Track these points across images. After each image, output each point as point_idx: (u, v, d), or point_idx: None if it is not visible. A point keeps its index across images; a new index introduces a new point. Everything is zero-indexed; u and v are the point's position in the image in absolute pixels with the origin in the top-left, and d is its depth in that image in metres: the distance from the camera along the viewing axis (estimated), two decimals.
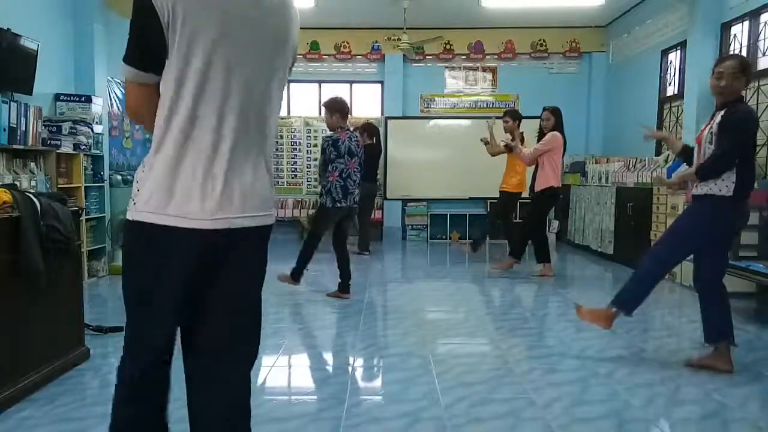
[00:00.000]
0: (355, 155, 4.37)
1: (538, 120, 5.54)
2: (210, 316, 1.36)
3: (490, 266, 5.87)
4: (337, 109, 4.34)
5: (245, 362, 1.43)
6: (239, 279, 1.39)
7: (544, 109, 5.41)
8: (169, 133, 1.25)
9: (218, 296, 1.35)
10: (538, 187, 5.32)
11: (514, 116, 5.95)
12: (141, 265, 1.31)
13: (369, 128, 6.69)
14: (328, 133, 4.45)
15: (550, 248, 5.63)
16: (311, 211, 8.05)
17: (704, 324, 2.87)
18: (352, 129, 4.54)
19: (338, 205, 4.29)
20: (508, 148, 5.78)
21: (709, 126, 2.76)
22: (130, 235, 1.33)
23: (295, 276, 4.43)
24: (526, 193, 6.02)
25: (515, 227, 6.28)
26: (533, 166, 5.88)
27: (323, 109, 4.44)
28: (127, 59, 1.28)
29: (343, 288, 4.43)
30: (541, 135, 5.46)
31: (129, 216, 1.31)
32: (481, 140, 6.10)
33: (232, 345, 1.39)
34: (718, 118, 2.70)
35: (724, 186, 2.65)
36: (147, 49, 1.27)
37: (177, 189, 1.24)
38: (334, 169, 4.30)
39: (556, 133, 5.23)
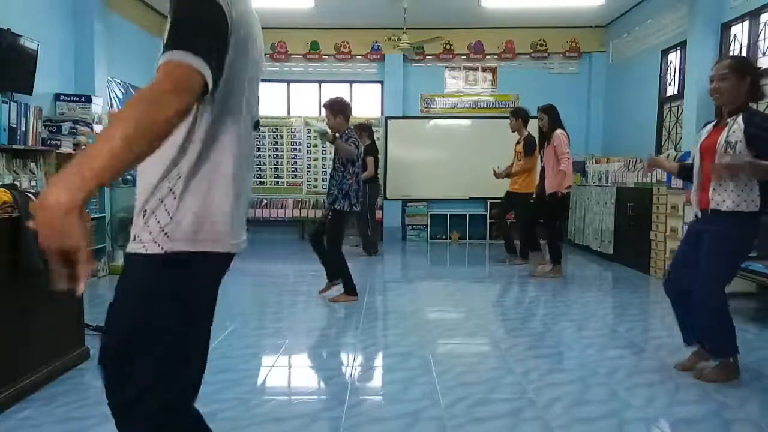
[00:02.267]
0: (359, 158, 4.36)
1: (537, 121, 5.56)
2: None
3: (532, 271, 5.58)
4: (340, 110, 4.22)
5: None
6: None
7: (538, 109, 5.42)
8: (209, 153, 1.14)
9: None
10: (551, 189, 5.27)
11: (517, 114, 5.93)
12: (180, 303, 1.15)
13: (365, 129, 6.68)
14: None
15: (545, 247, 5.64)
16: (316, 212, 8.05)
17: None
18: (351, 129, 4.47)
19: (354, 208, 4.24)
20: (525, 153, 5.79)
21: (724, 134, 2.58)
22: (167, 271, 1.14)
23: (350, 291, 4.33)
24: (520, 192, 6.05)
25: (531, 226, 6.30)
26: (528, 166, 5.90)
27: (324, 109, 4.29)
28: (190, 47, 0.99)
29: (332, 277, 4.38)
30: (541, 134, 5.46)
31: (162, 247, 1.13)
32: (497, 173, 6.08)
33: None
34: (735, 125, 2.55)
35: (751, 201, 2.53)
36: (219, 45, 1.06)
37: (229, 214, 1.17)
38: (354, 173, 4.21)
39: (558, 132, 5.22)
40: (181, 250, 1.13)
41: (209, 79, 1.01)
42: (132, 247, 1.16)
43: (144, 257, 1.13)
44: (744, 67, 2.59)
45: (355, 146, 4.20)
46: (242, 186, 1.22)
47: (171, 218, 1.13)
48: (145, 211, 1.15)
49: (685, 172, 2.98)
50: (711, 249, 2.64)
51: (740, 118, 2.55)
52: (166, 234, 1.12)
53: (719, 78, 2.57)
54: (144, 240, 1.14)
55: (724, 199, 2.57)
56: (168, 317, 1.14)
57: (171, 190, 1.13)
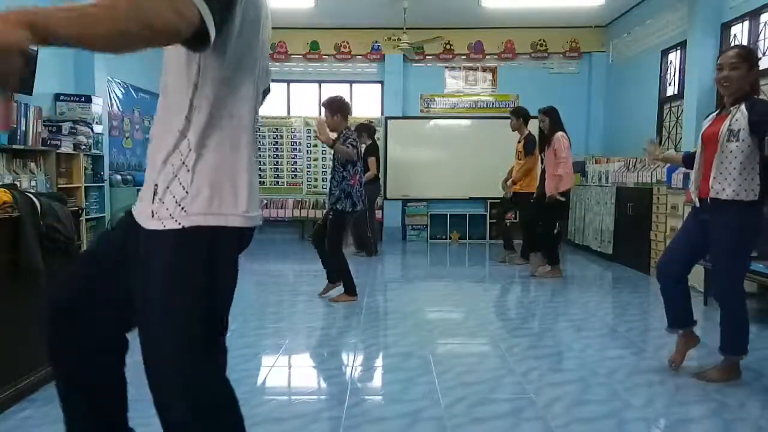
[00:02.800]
0: (360, 158, 4.35)
1: (538, 121, 5.57)
2: None
3: (533, 271, 5.59)
4: (339, 109, 4.19)
5: None
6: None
7: (539, 111, 5.41)
8: (225, 124, 1.16)
9: None
10: (552, 190, 5.27)
11: (517, 114, 5.93)
12: (214, 274, 1.17)
13: (367, 128, 6.67)
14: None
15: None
16: (316, 212, 8.05)
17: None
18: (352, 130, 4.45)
19: (357, 208, 4.23)
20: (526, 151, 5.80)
21: (727, 122, 2.58)
22: (196, 245, 1.15)
23: (350, 291, 4.32)
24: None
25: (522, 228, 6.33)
26: (526, 166, 5.91)
27: (323, 108, 4.27)
28: None
29: (333, 280, 4.38)
30: (542, 135, 5.46)
31: (179, 223, 1.13)
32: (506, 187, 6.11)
33: None
34: (737, 114, 2.55)
35: (750, 191, 2.53)
36: (228, 5, 1.04)
37: (241, 188, 1.18)
38: (355, 173, 4.20)
39: (559, 135, 5.22)
40: (198, 225, 1.13)
41: (212, 32, 0.99)
42: (151, 224, 1.15)
43: (163, 233, 1.13)
44: (752, 57, 2.60)
45: (353, 147, 4.17)
46: (255, 161, 1.23)
47: (187, 192, 1.13)
48: (156, 186, 1.15)
49: (689, 161, 2.97)
50: (716, 247, 2.66)
51: (743, 107, 2.55)
52: (183, 209, 1.13)
53: (730, 66, 2.56)
54: (162, 216, 1.14)
55: (724, 187, 2.57)
56: (201, 293, 1.16)
57: (184, 163, 1.14)
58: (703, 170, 2.70)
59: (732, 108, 2.60)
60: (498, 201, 6.76)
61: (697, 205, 2.74)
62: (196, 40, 0.99)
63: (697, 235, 2.72)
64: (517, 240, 6.31)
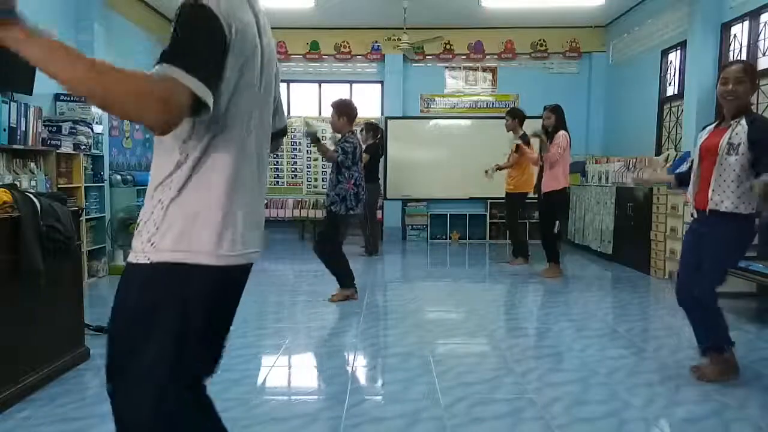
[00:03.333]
0: (360, 159, 4.35)
1: (539, 120, 5.57)
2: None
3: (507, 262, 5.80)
4: (345, 112, 4.23)
5: None
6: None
7: (545, 108, 5.42)
8: (218, 165, 1.16)
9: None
10: (547, 189, 5.30)
11: (513, 114, 5.96)
12: (183, 312, 1.17)
13: (373, 128, 6.67)
14: (330, 133, 4.36)
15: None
16: (316, 212, 8.05)
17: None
18: (356, 130, 4.45)
19: (351, 212, 4.23)
20: (523, 143, 5.80)
21: (726, 136, 2.59)
22: (186, 283, 1.16)
23: (346, 284, 4.35)
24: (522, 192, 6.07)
25: (521, 227, 6.35)
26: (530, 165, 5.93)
27: (330, 108, 4.28)
28: (192, 69, 1.00)
29: (349, 284, 4.37)
30: (545, 134, 5.46)
31: (148, 258, 1.15)
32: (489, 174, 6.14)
33: None
34: (738, 127, 2.56)
35: (748, 204, 2.55)
36: (217, 65, 1.07)
37: (212, 228, 1.17)
38: (350, 177, 4.20)
39: (562, 133, 5.24)
40: (165, 261, 1.14)
41: (209, 101, 1.03)
42: (129, 257, 1.19)
43: (134, 267, 1.16)
44: (755, 72, 2.66)
45: (343, 152, 4.16)
46: (243, 201, 1.21)
47: (157, 229, 1.15)
48: (139, 223, 1.19)
49: (680, 180, 3.03)
50: (712, 254, 2.66)
51: (743, 121, 2.57)
52: (152, 244, 1.14)
53: (736, 81, 2.58)
54: (136, 250, 1.17)
55: (723, 200, 2.58)
56: (156, 324, 1.15)
57: (160, 201, 1.16)
58: (701, 182, 2.71)
59: (732, 122, 2.62)
60: (498, 201, 6.76)
61: (695, 216, 2.76)
62: (193, 111, 1.03)
63: (699, 251, 2.72)
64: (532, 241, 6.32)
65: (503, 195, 6.27)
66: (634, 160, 6.22)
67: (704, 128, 2.86)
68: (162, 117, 0.97)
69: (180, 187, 1.14)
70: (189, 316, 1.17)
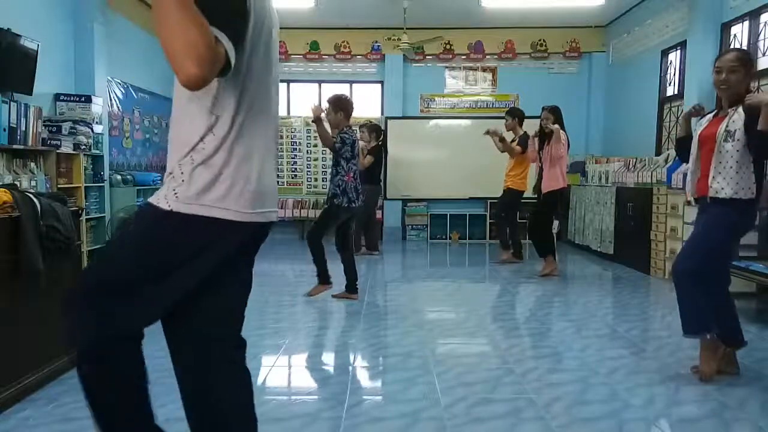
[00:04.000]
0: (359, 155, 4.36)
1: (538, 120, 5.57)
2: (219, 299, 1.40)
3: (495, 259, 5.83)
4: (342, 107, 4.24)
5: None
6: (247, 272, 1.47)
7: (543, 108, 5.42)
8: (235, 131, 1.26)
9: (229, 283, 1.40)
10: (547, 188, 5.30)
11: (513, 114, 5.96)
12: (176, 249, 1.28)
13: (376, 129, 6.68)
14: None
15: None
16: (316, 212, 8.04)
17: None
18: (353, 128, 4.45)
19: (353, 205, 4.24)
20: (520, 144, 5.80)
21: (724, 124, 2.62)
22: (171, 223, 1.26)
23: (324, 281, 4.37)
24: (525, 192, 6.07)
25: (519, 226, 6.34)
26: (531, 165, 5.93)
27: (327, 105, 4.28)
28: (225, 29, 1.10)
29: (351, 288, 4.40)
30: (542, 134, 5.46)
31: (169, 205, 1.24)
32: (489, 133, 6.03)
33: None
34: (735, 115, 2.59)
35: (747, 189, 2.59)
36: (242, 26, 1.18)
37: (240, 183, 1.27)
38: (349, 170, 4.22)
39: (563, 132, 5.24)
40: (183, 212, 1.23)
41: (233, 59, 1.12)
42: (150, 198, 1.29)
43: (151, 206, 1.26)
44: (750, 60, 2.66)
45: (341, 140, 4.19)
46: (263, 160, 1.32)
47: (182, 181, 1.24)
48: (170, 173, 1.28)
49: (685, 141, 2.96)
50: (703, 230, 2.71)
51: (740, 109, 2.60)
52: (175, 194, 1.23)
53: (729, 70, 2.60)
54: (159, 196, 1.26)
55: (723, 186, 2.61)
56: (152, 256, 1.27)
57: (192, 158, 1.24)
58: (701, 169, 2.75)
59: (730, 110, 2.65)
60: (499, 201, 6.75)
61: (692, 203, 2.81)
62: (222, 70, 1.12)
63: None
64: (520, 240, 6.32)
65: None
66: (634, 160, 6.22)
67: (704, 116, 2.88)
68: (201, 71, 1.04)
69: (213, 150, 1.24)
70: (186, 259, 1.27)
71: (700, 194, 2.74)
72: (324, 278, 4.37)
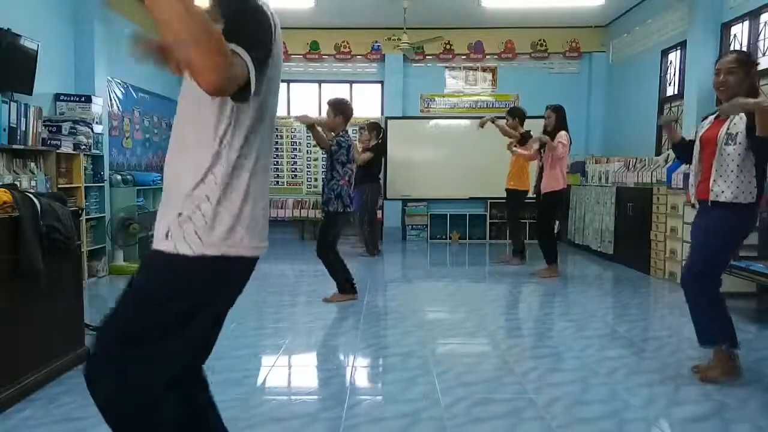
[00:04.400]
0: (354, 160, 4.36)
1: (539, 120, 5.57)
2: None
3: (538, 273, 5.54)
4: (341, 111, 4.23)
5: None
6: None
7: (547, 107, 5.41)
8: (245, 165, 1.25)
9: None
10: (547, 189, 5.30)
11: (513, 113, 5.94)
12: (209, 302, 1.29)
13: (376, 128, 6.67)
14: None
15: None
16: (316, 212, 8.05)
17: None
18: (349, 133, 4.44)
19: (348, 209, 4.21)
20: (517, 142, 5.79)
21: (725, 126, 2.61)
22: (200, 271, 1.23)
23: (345, 290, 4.33)
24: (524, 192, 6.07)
25: (521, 226, 6.33)
26: (530, 164, 5.92)
27: (327, 107, 4.28)
28: (250, 50, 1.11)
29: (348, 288, 4.35)
30: (545, 133, 5.45)
31: (193, 250, 1.21)
32: (486, 122, 5.99)
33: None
34: (736, 118, 2.57)
35: (748, 193, 2.56)
36: (265, 57, 1.19)
37: (256, 219, 1.28)
38: (345, 174, 4.20)
39: (563, 134, 5.23)
40: (209, 254, 1.21)
41: (253, 86, 1.12)
42: (163, 245, 1.22)
43: (173, 256, 1.20)
44: (749, 61, 2.63)
45: (337, 144, 4.18)
46: (266, 190, 1.32)
47: (206, 223, 1.21)
48: (181, 214, 1.21)
49: (681, 146, 2.98)
50: (703, 236, 2.69)
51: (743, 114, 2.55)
52: (199, 238, 1.20)
53: (727, 71, 2.59)
54: (176, 239, 1.20)
55: (723, 189, 2.59)
56: (186, 312, 1.23)
57: (207, 196, 1.21)
58: (702, 172, 2.72)
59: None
60: (498, 201, 6.76)
61: (696, 206, 2.78)
62: (237, 94, 1.11)
63: None
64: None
65: (503, 195, 6.26)
66: (634, 160, 6.22)
67: (705, 118, 2.87)
68: (223, 77, 1.02)
69: (225, 182, 1.21)
70: (218, 306, 1.31)
71: (701, 197, 2.71)
72: (344, 287, 4.33)
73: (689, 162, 2.90)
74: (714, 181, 2.62)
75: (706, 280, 2.66)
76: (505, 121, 6.03)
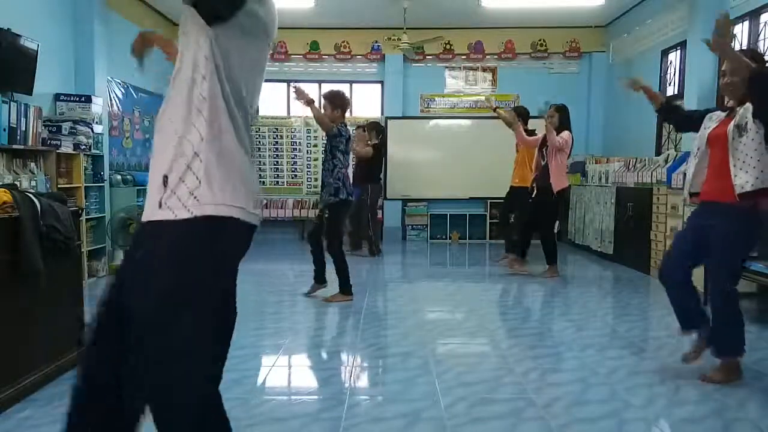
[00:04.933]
0: (350, 151, 4.39)
1: (540, 120, 5.57)
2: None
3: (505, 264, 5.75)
4: (339, 104, 4.23)
5: None
6: None
7: (551, 106, 5.40)
8: (230, 121, 1.21)
9: None
10: (559, 187, 5.24)
11: (517, 113, 5.91)
12: (220, 268, 1.22)
13: (377, 127, 6.66)
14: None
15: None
16: (316, 212, 8.04)
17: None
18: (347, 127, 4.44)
19: (350, 198, 4.24)
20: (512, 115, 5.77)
21: (733, 122, 2.56)
22: (202, 235, 1.16)
23: (346, 291, 4.32)
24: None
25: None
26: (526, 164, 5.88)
27: (323, 100, 4.28)
28: None
29: (347, 290, 4.34)
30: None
31: (191, 212, 1.15)
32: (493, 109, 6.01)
33: None
34: (742, 111, 2.54)
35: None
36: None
37: (245, 183, 1.22)
38: (346, 162, 4.24)
39: (566, 134, 5.20)
40: (209, 214, 1.14)
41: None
42: (158, 215, 1.16)
43: (172, 223, 1.14)
44: (756, 58, 2.58)
45: (339, 133, 4.18)
46: (250, 163, 1.27)
47: (199, 182, 1.14)
48: (166, 177, 1.15)
49: (667, 110, 2.91)
50: (718, 245, 2.61)
51: (748, 104, 2.53)
52: (195, 198, 1.14)
53: (732, 72, 2.55)
54: (172, 206, 1.14)
55: (747, 180, 2.49)
56: (202, 278, 1.16)
57: (196, 153, 1.15)
58: (708, 171, 2.68)
59: (738, 108, 2.60)
60: (499, 201, 6.73)
61: (688, 202, 2.72)
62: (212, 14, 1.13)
63: (696, 239, 2.69)
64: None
65: (503, 195, 6.25)
66: (634, 160, 6.22)
67: (709, 111, 2.81)
68: None
69: (210, 137, 1.17)
70: (225, 275, 1.23)
71: (707, 198, 2.66)
72: (345, 288, 4.33)
73: (678, 126, 2.82)
74: (735, 175, 2.53)
75: (733, 290, 2.64)
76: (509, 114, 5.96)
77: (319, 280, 4.44)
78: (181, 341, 1.14)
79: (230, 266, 1.26)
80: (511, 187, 6.05)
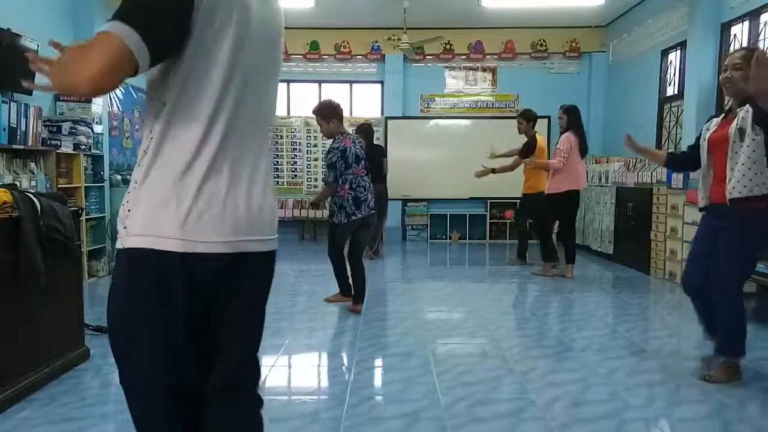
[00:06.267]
0: (362, 159, 4.08)
1: (541, 120, 5.55)
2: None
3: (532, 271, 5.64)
4: (332, 114, 4.02)
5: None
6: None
7: (560, 107, 5.37)
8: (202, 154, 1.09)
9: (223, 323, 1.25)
10: (551, 190, 5.24)
11: (527, 117, 5.86)
12: (134, 298, 1.12)
13: (366, 129, 6.60)
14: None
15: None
16: (316, 212, 8.03)
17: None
18: (351, 131, 4.27)
19: (353, 218, 4.01)
20: (519, 158, 5.75)
21: (734, 123, 2.56)
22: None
23: (346, 292, 4.27)
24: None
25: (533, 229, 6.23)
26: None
27: (315, 117, 4.08)
28: (129, 19, 0.96)
29: (347, 292, 4.31)
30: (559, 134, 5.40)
31: (122, 244, 1.10)
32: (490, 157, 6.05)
33: None
34: (742, 113, 2.53)
35: (763, 185, 2.48)
36: (164, 22, 1.00)
37: (202, 212, 1.09)
38: (344, 182, 3.97)
39: (567, 135, 5.18)
40: (134, 247, 1.08)
41: (141, 61, 0.97)
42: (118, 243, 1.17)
43: (117, 254, 1.14)
44: (754, 56, 2.57)
45: (329, 167, 3.98)
46: (222, 182, 1.11)
47: (129, 211, 1.10)
48: (123, 205, 1.14)
49: (673, 161, 2.96)
50: (725, 247, 2.62)
51: (747, 106, 2.52)
52: (125, 228, 1.10)
53: (732, 67, 2.55)
54: (120, 234, 1.13)
55: (740, 185, 2.51)
56: (127, 310, 1.12)
57: (135, 181, 1.11)
58: (713, 174, 2.68)
59: (739, 110, 2.59)
60: (499, 202, 6.74)
61: (708, 209, 2.72)
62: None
63: (710, 242, 2.69)
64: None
65: (503, 195, 6.25)
66: (634, 160, 6.21)
67: (709, 120, 2.83)
68: (97, 77, 0.98)
69: (148, 168, 1.08)
70: (168, 310, 1.10)
71: (717, 201, 2.66)
72: (346, 290, 4.29)
73: (692, 169, 2.85)
74: (729, 179, 2.55)
75: (739, 291, 2.66)
76: (518, 124, 5.89)
77: (346, 293, 4.31)
78: (124, 362, 1.16)
79: (171, 300, 1.09)
80: (523, 194, 6.00)
